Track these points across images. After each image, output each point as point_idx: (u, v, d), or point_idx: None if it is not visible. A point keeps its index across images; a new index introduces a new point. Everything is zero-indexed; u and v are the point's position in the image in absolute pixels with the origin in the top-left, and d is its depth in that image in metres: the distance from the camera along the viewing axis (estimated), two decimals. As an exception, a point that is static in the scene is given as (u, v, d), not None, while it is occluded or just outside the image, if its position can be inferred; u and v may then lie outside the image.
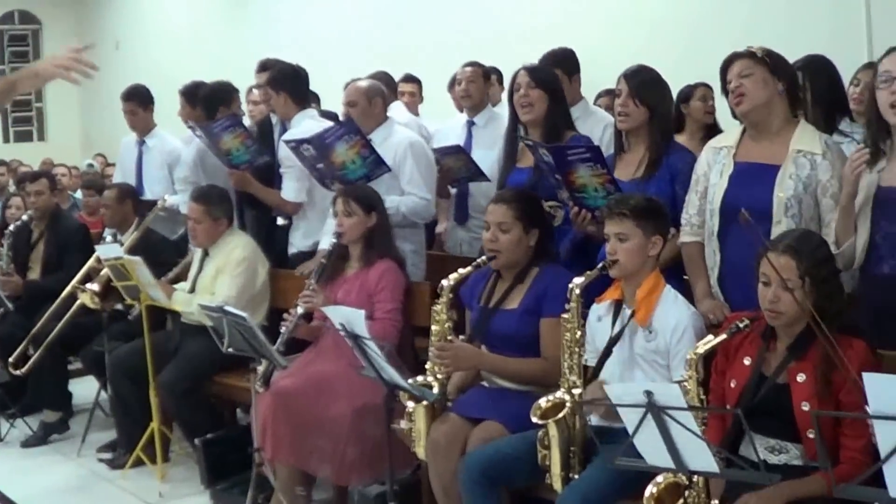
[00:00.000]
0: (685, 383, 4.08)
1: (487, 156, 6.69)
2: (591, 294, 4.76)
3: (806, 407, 3.90)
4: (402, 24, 12.23)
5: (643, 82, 5.22)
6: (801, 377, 3.95)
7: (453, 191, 7.01)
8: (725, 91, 4.81)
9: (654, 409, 3.40)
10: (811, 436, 3.87)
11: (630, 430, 3.53)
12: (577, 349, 4.65)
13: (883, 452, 2.87)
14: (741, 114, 4.78)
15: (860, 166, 4.32)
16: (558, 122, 5.67)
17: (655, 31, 9.43)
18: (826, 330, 3.71)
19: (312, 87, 7.36)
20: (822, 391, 3.88)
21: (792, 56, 5.14)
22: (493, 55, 8.83)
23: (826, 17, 8.46)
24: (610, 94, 6.96)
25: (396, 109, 7.96)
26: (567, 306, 4.67)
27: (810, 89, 5.47)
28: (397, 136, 6.55)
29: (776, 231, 4.50)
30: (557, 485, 4.50)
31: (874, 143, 4.42)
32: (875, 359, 3.94)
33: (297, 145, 6.39)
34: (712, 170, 4.86)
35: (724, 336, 4.13)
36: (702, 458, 3.48)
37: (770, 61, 4.71)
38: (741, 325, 4.09)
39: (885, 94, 4.31)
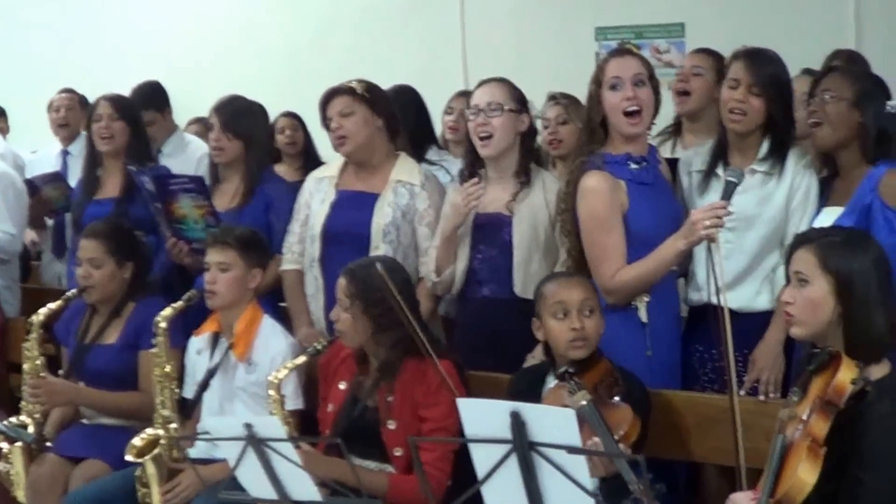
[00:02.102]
0: (271, 408, 4.13)
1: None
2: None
3: (392, 426, 4.01)
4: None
5: (234, 113, 5.20)
6: (388, 397, 4.05)
7: (50, 222, 6.72)
8: (326, 125, 4.87)
9: (255, 442, 3.38)
10: (398, 454, 4.00)
11: (231, 464, 3.49)
12: (168, 383, 4.57)
13: (480, 474, 2.95)
14: (344, 155, 4.86)
15: (476, 200, 4.47)
16: (140, 153, 5.59)
17: (261, 58, 9.39)
18: (428, 347, 3.92)
19: None
20: (405, 408, 4.01)
21: (387, 83, 5.26)
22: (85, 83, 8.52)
23: (423, 46, 8.71)
24: (201, 121, 6.83)
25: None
26: (154, 340, 4.59)
27: (388, 102, 5.56)
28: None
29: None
30: (160, 521, 4.41)
31: (471, 175, 4.61)
32: (462, 378, 4.09)
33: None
34: (314, 198, 4.91)
35: (304, 358, 4.20)
36: (304, 487, 3.48)
37: (370, 97, 4.80)
38: (319, 347, 4.16)
39: (472, 125, 4.53)
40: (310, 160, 6.94)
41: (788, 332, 3.43)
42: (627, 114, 4.16)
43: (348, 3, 9.08)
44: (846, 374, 3.04)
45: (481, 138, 4.53)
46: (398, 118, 4.97)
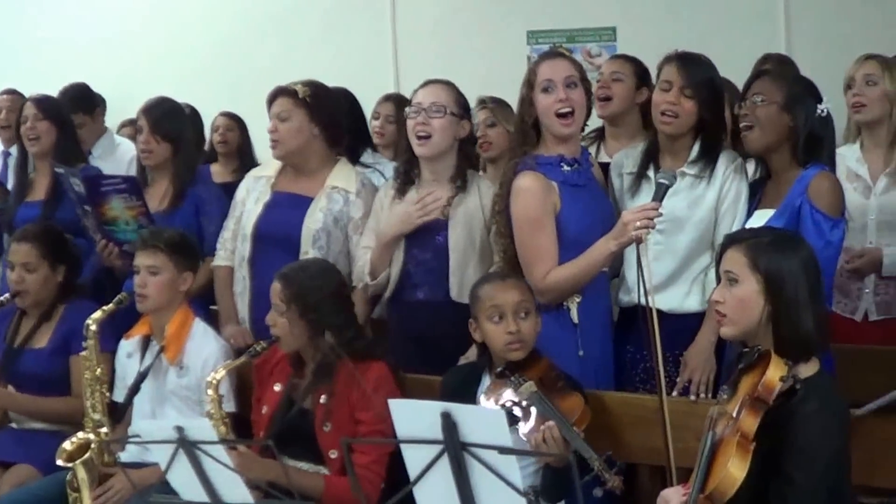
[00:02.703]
0: (209, 408, 4.11)
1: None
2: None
3: (327, 428, 4.01)
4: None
5: (163, 115, 5.18)
6: (323, 399, 4.05)
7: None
8: None
9: (186, 445, 3.35)
10: (333, 456, 4.00)
11: (163, 467, 3.47)
12: (98, 387, 4.52)
13: (412, 475, 2.95)
14: (276, 158, 4.87)
15: (432, 212, 4.48)
16: (69, 154, 5.54)
17: (192, 58, 9.32)
18: (339, 350, 4.00)
19: None
20: (341, 411, 4.01)
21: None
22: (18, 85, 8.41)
23: (355, 48, 8.69)
24: (132, 123, 6.78)
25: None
26: (84, 343, 4.54)
27: (330, 111, 5.55)
28: None
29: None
30: (90, 528, 4.37)
31: (406, 174, 4.62)
32: (398, 380, 4.10)
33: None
34: (250, 196, 4.90)
35: (242, 359, 4.19)
36: (236, 490, 3.46)
37: (311, 103, 4.77)
38: (258, 349, 4.15)
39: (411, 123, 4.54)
40: (245, 161, 6.92)
41: (719, 331, 3.46)
42: (560, 115, 4.18)
43: (280, 4, 9.04)
44: (775, 372, 3.08)
45: (419, 137, 4.52)
46: (339, 126, 4.96)
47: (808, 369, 3.19)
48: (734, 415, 3.10)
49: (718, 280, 3.36)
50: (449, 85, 4.64)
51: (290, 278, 4.10)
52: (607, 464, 3.57)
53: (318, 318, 4.05)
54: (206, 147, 7.04)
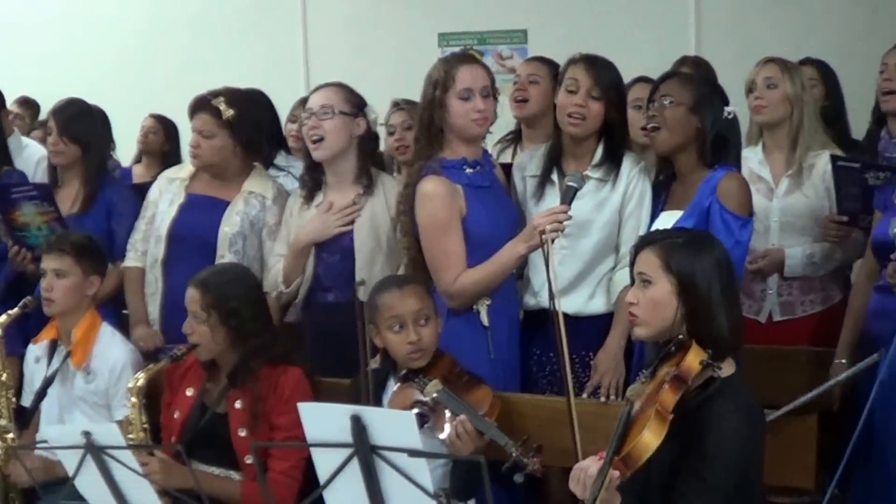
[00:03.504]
0: (129, 414, 4.07)
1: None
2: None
3: (243, 433, 3.98)
4: None
5: (72, 117, 5.13)
6: (238, 404, 4.03)
7: None
8: None
9: (94, 450, 3.33)
10: (249, 461, 3.96)
11: (70, 473, 3.44)
12: (4, 392, 4.47)
13: (322, 479, 2.95)
14: (195, 167, 4.86)
15: (352, 221, 4.49)
16: None
17: (102, 59, 9.21)
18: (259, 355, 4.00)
19: None
20: (257, 416, 3.98)
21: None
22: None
23: (265, 50, 8.66)
24: (43, 125, 6.69)
25: None
26: (-7, 349, 4.48)
27: (251, 130, 5.49)
28: None
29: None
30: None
31: (312, 180, 4.63)
32: (313, 385, 4.09)
33: None
34: (163, 198, 4.87)
35: (163, 363, 4.14)
36: (145, 496, 3.44)
37: (234, 123, 4.75)
38: (178, 354, 4.11)
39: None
40: (169, 164, 6.86)
41: (632, 333, 3.47)
42: (474, 121, 4.21)
43: (190, 4, 8.98)
44: (695, 357, 3.10)
45: (313, 141, 4.52)
46: (260, 140, 4.96)
47: (725, 370, 3.21)
48: (653, 393, 3.11)
49: (632, 280, 3.37)
50: (338, 86, 4.63)
51: (209, 285, 4.06)
52: (525, 448, 3.59)
53: (240, 323, 4.03)
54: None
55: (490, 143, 4.99)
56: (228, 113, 4.73)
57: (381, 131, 4.95)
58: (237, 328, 4.02)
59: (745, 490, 3.18)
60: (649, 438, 3.00)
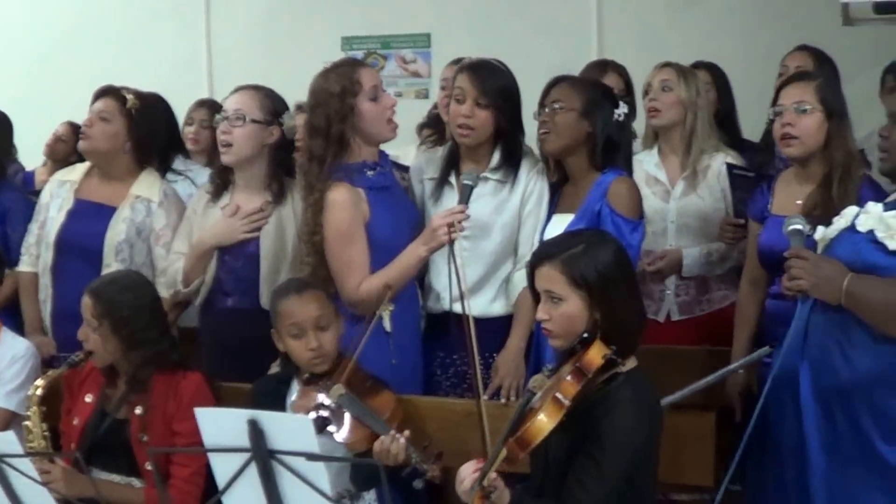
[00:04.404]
0: (27, 422, 4.04)
1: None
2: None
3: (144, 439, 3.96)
4: None
5: None
6: (138, 410, 4.00)
7: None
8: None
9: (-8, 460, 3.29)
10: (149, 468, 3.93)
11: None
12: None
13: (221, 484, 2.96)
14: (80, 149, 4.83)
15: (258, 228, 4.48)
16: None
17: (3, 59, 9.08)
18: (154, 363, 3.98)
19: None
20: (157, 422, 3.97)
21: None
22: None
23: (168, 52, 8.57)
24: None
25: None
26: None
27: (148, 130, 5.46)
28: None
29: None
30: None
31: (221, 180, 4.61)
32: (213, 390, 4.08)
33: None
34: (53, 202, 4.83)
35: (61, 369, 4.11)
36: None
37: (135, 116, 4.76)
38: (76, 360, 4.08)
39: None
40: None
41: (549, 343, 3.46)
42: (388, 120, 4.23)
43: (94, 6, 8.86)
44: (597, 351, 3.16)
45: (222, 145, 4.50)
46: (150, 147, 4.92)
47: (628, 364, 3.26)
48: (554, 384, 3.16)
49: (535, 295, 3.37)
50: (257, 91, 4.58)
51: (101, 293, 4.03)
52: (425, 454, 3.62)
53: (131, 332, 3.99)
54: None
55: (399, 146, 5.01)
56: (133, 103, 4.74)
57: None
58: (129, 337, 3.99)
59: (639, 484, 3.24)
60: (544, 421, 3.07)
